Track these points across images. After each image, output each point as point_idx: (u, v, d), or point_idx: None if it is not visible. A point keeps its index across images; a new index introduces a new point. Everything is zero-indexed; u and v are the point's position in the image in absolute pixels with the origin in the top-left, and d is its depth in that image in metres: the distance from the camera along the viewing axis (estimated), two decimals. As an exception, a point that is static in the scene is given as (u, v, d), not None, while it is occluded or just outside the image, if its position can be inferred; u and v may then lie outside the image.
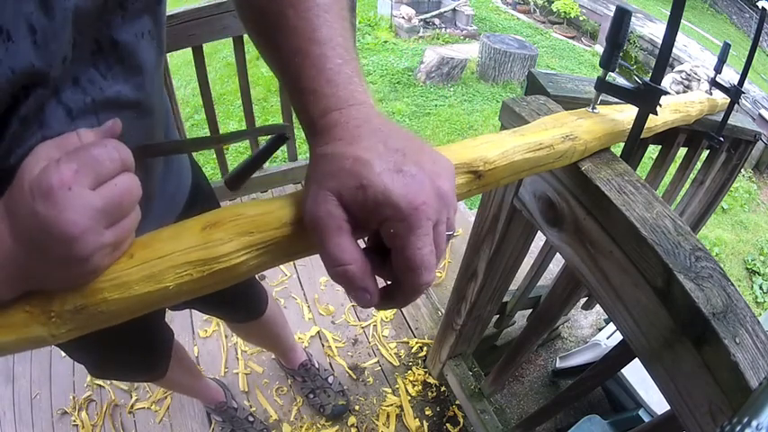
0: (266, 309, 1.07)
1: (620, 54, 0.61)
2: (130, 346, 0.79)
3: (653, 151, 1.39)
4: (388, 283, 0.33)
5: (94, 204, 0.26)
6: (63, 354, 1.45)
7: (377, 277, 0.32)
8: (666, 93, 0.60)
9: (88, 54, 0.34)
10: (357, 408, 1.41)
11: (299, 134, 3.41)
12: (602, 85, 0.64)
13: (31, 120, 0.32)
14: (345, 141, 0.31)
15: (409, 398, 1.44)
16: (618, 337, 0.79)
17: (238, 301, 0.98)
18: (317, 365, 1.43)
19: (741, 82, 1.06)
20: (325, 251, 0.30)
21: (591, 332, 1.90)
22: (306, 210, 0.31)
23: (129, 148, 0.31)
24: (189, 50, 1.43)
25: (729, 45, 1.05)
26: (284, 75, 0.36)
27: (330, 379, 1.42)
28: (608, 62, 0.61)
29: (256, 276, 1.24)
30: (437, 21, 6.26)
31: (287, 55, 0.35)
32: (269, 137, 0.36)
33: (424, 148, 0.33)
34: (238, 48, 1.53)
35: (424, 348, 1.56)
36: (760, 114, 5.16)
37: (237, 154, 3.33)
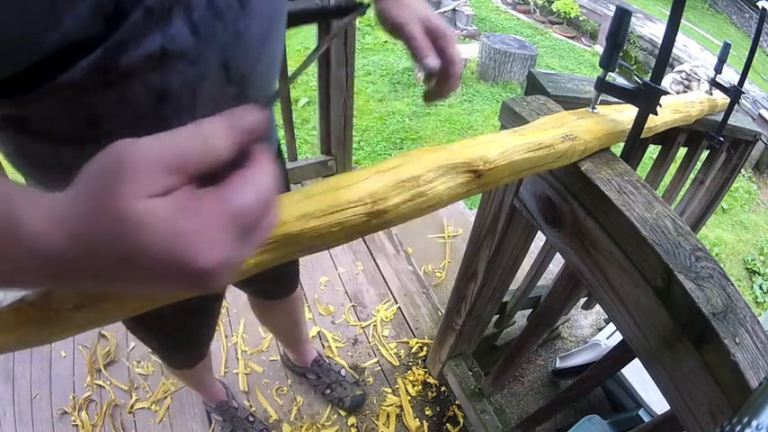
0: (297, 286, 1.10)
1: (620, 54, 0.61)
2: (192, 325, 0.83)
3: (653, 151, 1.39)
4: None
5: (239, 259, 0.21)
6: (63, 353, 1.45)
7: None
8: (666, 93, 0.60)
9: None
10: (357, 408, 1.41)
11: (300, 134, 3.41)
12: (602, 85, 0.64)
13: (155, 18, 0.30)
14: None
15: (409, 398, 1.44)
16: (618, 337, 0.79)
17: (281, 275, 1.00)
18: (327, 360, 1.43)
19: (741, 82, 1.06)
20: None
21: (591, 332, 1.90)
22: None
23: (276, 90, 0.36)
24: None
25: (729, 45, 1.05)
26: None
27: (342, 372, 1.42)
28: (608, 62, 0.61)
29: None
30: (437, 21, 6.25)
31: None
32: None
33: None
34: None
35: (424, 348, 1.55)
36: (760, 114, 5.16)
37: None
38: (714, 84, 1.10)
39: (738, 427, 0.38)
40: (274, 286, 1.05)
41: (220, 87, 0.38)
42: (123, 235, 0.18)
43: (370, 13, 0.52)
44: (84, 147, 0.28)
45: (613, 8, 0.61)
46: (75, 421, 1.31)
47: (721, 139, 1.16)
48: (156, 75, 0.33)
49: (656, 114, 0.61)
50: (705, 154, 1.46)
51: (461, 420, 1.40)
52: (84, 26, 0.27)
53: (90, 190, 0.19)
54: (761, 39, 1.35)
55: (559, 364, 1.67)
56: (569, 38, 6.75)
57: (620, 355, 0.77)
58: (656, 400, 1.35)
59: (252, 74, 0.41)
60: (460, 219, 2.16)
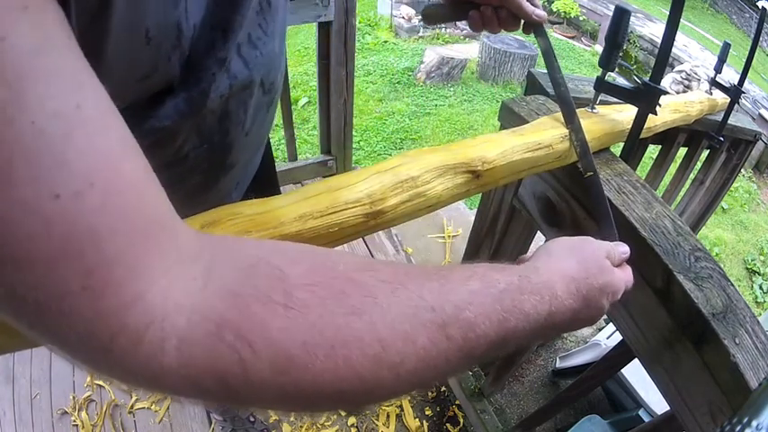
0: None
1: (620, 54, 0.60)
2: None
3: (653, 151, 1.39)
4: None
5: (630, 279, 0.42)
6: (63, 354, 1.46)
7: None
8: (666, 93, 0.60)
9: (254, 14, 0.39)
10: (357, 408, 1.41)
11: (300, 134, 3.41)
12: (602, 85, 0.64)
13: (222, 66, 0.37)
14: None
15: (409, 398, 1.44)
16: (618, 337, 0.79)
17: None
18: None
19: (741, 82, 1.06)
20: None
21: (591, 332, 1.90)
22: None
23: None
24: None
25: (729, 45, 1.05)
26: None
27: None
28: (607, 62, 0.61)
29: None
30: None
31: None
32: None
33: None
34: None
35: (424, 348, 1.55)
36: (760, 114, 5.15)
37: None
38: (714, 83, 1.10)
39: (738, 427, 0.38)
40: None
41: (260, 99, 0.45)
42: (606, 282, 0.37)
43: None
44: (163, 173, 0.36)
45: (613, 8, 0.61)
46: (75, 421, 1.31)
47: (721, 138, 1.16)
48: (222, 104, 0.40)
49: (656, 114, 0.61)
50: (705, 154, 1.46)
51: (461, 420, 1.40)
52: (169, 72, 0.34)
53: (585, 258, 0.37)
54: (761, 39, 1.35)
55: (559, 364, 1.67)
56: (569, 38, 6.75)
57: (619, 356, 0.77)
58: (656, 401, 1.34)
59: (276, 81, 0.48)
60: (460, 219, 2.16)
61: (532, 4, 0.55)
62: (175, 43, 0.32)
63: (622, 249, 0.44)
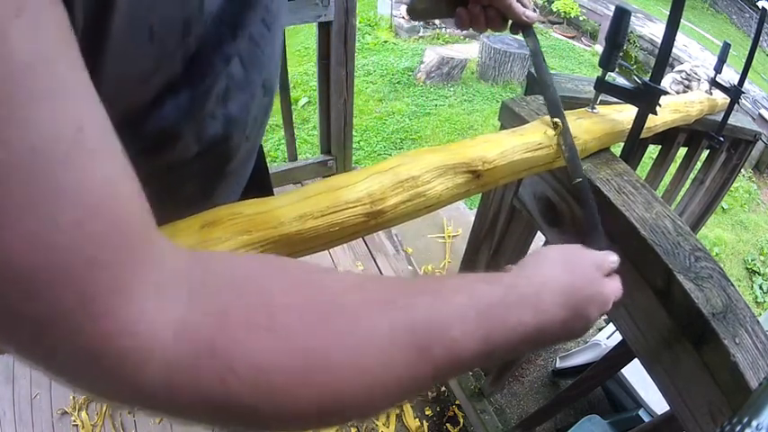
0: None
1: (620, 54, 0.60)
2: None
3: (653, 151, 1.39)
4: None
5: (619, 289, 0.41)
6: (63, 354, 1.45)
7: None
8: (666, 93, 0.59)
9: (263, 9, 0.38)
10: (357, 408, 1.41)
11: (300, 134, 3.41)
12: (602, 85, 0.64)
13: (228, 63, 0.36)
14: None
15: (409, 398, 1.44)
16: (618, 337, 0.79)
17: None
18: None
19: (741, 82, 1.06)
20: None
21: (591, 332, 1.90)
22: None
23: None
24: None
25: (729, 45, 1.05)
26: None
27: None
28: (607, 62, 0.61)
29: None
30: (437, 20, 6.25)
31: None
32: None
33: None
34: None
35: (424, 348, 1.55)
36: (760, 114, 5.15)
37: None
38: (714, 83, 1.10)
39: (738, 428, 0.38)
40: None
41: (260, 101, 0.43)
42: (595, 293, 0.37)
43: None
44: (162, 179, 0.37)
45: (613, 8, 0.61)
46: (75, 421, 1.31)
47: (721, 138, 1.16)
48: (222, 108, 0.38)
49: (656, 114, 0.61)
50: (705, 154, 1.46)
51: (461, 420, 1.40)
52: (172, 69, 0.32)
53: (575, 267, 0.38)
54: (761, 39, 1.35)
55: (559, 364, 1.67)
56: (569, 38, 6.74)
57: (619, 356, 0.77)
58: (656, 401, 1.34)
59: (275, 82, 0.47)
60: (461, 219, 2.16)
61: (522, 5, 0.54)
62: (180, 40, 0.31)
63: (611, 258, 0.43)
